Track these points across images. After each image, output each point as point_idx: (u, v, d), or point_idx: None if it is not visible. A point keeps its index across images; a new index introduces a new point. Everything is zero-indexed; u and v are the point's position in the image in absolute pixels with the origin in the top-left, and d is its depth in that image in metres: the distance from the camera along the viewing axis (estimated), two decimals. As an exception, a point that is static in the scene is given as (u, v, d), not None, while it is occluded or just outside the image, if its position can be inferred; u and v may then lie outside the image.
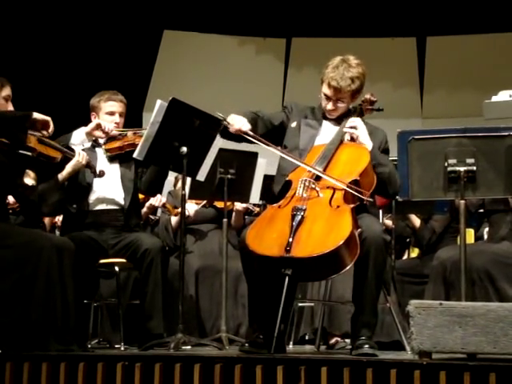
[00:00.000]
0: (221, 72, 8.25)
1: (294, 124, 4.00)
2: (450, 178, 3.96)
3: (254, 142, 3.86)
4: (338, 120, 4.00)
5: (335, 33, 8.03)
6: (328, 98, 3.94)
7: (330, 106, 3.95)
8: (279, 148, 3.88)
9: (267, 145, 3.82)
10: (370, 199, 3.69)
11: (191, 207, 5.46)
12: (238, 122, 3.83)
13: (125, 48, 7.78)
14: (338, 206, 3.57)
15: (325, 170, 3.74)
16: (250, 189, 4.86)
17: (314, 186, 3.66)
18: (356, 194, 3.61)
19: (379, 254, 3.55)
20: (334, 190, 3.64)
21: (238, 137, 3.88)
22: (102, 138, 4.41)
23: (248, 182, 4.84)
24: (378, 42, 8.24)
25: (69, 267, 3.83)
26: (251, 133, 3.82)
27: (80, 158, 4.24)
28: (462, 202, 3.97)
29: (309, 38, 8.24)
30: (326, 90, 3.93)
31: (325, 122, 4.02)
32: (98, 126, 4.33)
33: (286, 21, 8.24)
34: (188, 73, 8.19)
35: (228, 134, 3.92)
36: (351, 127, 3.87)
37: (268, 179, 4.88)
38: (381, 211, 4.95)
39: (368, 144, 3.84)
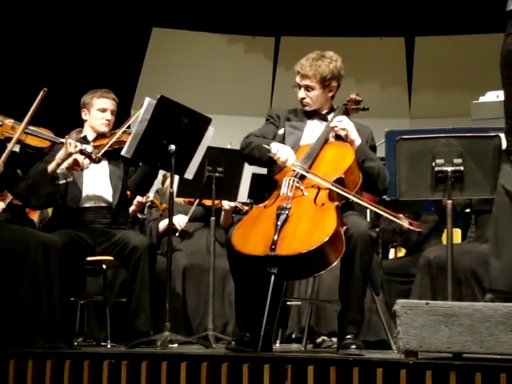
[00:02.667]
0: (209, 70, 8.24)
1: (281, 131, 4.01)
2: (437, 177, 3.98)
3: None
4: (323, 117, 4.01)
5: (324, 32, 8.04)
6: (299, 87, 3.96)
7: (301, 93, 3.97)
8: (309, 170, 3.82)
9: (308, 172, 3.75)
10: (354, 198, 3.69)
11: (182, 219, 5.43)
12: (285, 155, 3.77)
13: (113, 45, 7.76)
14: (323, 204, 3.58)
15: (310, 168, 3.75)
16: (238, 187, 4.86)
17: (298, 184, 3.67)
18: (341, 192, 3.62)
19: (365, 250, 3.56)
20: (319, 188, 3.65)
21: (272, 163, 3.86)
22: (78, 171, 4.29)
23: (236, 180, 4.83)
24: (366, 42, 8.25)
25: (55, 264, 3.82)
26: (297, 163, 3.77)
27: (71, 147, 4.13)
28: (450, 201, 3.99)
29: (298, 37, 8.24)
30: (296, 78, 3.97)
31: (309, 122, 4.03)
32: (75, 163, 4.21)
33: (274, 19, 8.25)
34: (176, 71, 8.17)
35: (269, 162, 3.87)
36: (339, 123, 3.88)
37: (256, 178, 4.88)
38: (368, 211, 4.95)
39: (357, 139, 3.86)
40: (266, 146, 3.82)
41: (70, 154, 4.15)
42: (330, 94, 4.02)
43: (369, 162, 3.84)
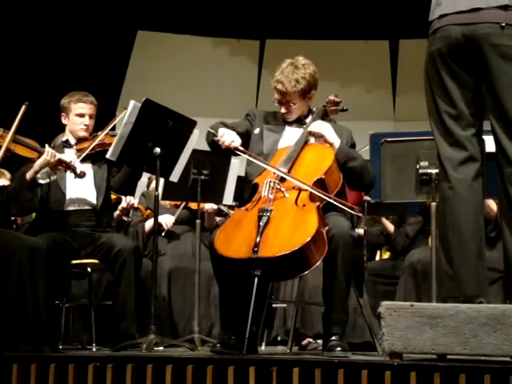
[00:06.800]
0: (195, 73, 8.24)
1: (257, 130, 4.03)
2: (421, 180, 4.00)
3: (241, 155, 3.90)
4: (301, 122, 4.02)
5: (309, 35, 8.06)
6: (280, 103, 3.97)
7: (282, 109, 3.99)
8: (264, 160, 3.87)
9: (254, 158, 3.85)
10: (334, 202, 3.69)
11: (168, 219, 5.44)
12: (229, 139, 3.84)
13: (98, 48, 7.75)
14: (304, 205, 3.59)
15: (290, 170, 3.76)
16: (223, 190, 4.87)
17: (279, 186, 3.68)
18: (319, 195, 3.63)
19: (347, 250, 3.57)
20: (300, 189, 3.66)
21: (227, 150, 3.89)
22: (61, 171, 4.28)
23: (221, 183, 4.84)
24: (351, 45, 8.28)
25: (40, 268, 3.81)
26: (241, 148, 3.85)
27: (48, 156, 4.13)
28: (434, 204, 4.01)
29: (283, 40, 8.26)
30: (275, 94, 3.98)
31: (287, 126, 4.03)
32: (61, 162, 4.21)
33: (260, 22, 8.26)
34: (162, 73, 8.18)
35: (217, 148, 3.92)
36: (316, 128, 3.89)
37: (241, 181, 4.89)
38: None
39: (336, 141, 3.86)
40: (211, 130, 3.88)
41: (48, 163, 4.16)
42: (310, 101, 4.03)
43: (350, 162, 3.85)
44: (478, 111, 3.19)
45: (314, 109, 4.05)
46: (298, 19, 8.16)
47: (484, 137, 3.28)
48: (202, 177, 4.70)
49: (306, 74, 3.92)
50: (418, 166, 3.99)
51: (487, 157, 3.29)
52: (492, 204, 4.72)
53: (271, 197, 3.65)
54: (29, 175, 4.17)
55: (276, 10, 8.13)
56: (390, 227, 5.59)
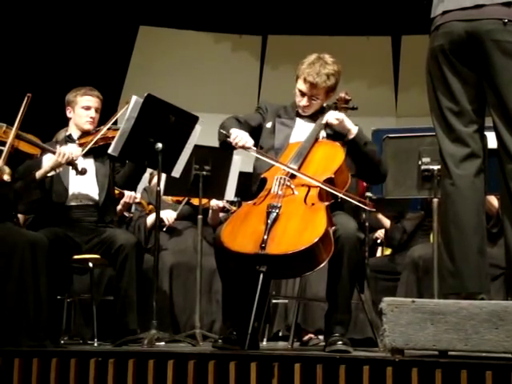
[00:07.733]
0: (196, 68, 8.24)
1: (269, 124, 4.01)
2: (423, 176, 4.00)
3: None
4: (312, 117, 4.01)
5: (311, 31, 8.05)
6: (303, 94, 3.95)
7: (304, 102, 3.96)
8: (274, 157, 3.86)
9: (263, 156, 3.83)
10: (345, 197, 3.70)
11: (170, 214, 5.45)
12: (243, 139, 3.81)
13: (100, 43, 7.75)
14: (313, 204, 3.58)
15: (300, 167, 3.75)
16: (225, 186, 4.87)
17: (289, 183, 3.67)
18: (330, 190, 3.63)
19: (353, 251, 3.56)
20: (309, 187, 3.65)
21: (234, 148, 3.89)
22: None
23: (223, 178, 4.84)
24: (353, 41, 8.27)
25: (42, 263, 3.81)
26: (254, 148, 3.83)
27: (60, 157, 4.17)
28: (436, 200, 4.01)
29: (285, 36, 8.26)
30: (301, 85, 3.94)
31: (298, 120, 4.03)
32: (67, 159, 4.23)
33: (261, 18, 8.25)
34: (163, 69, 8.17)
35: (228, 147, 3.90)
36: (332, 118, 3.88)
37: (243, 176, 4.89)
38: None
39: (353, 128, 3.86)
40: (223, 131, 3.85)
41: (59, 164, 4.18)
42: (328, 99, 4.03)
43: (370, 145, 3.85)
44: (480, 107, 3.19)
45: (325, 105, 4.05)
46: (300, 15, 8.14)
47: (486, 133, 3.28)
48: (204, 172, 4.70)
49: (334, 71, 3.92)
50: (419, 162, 3.98)
51: (489, 153, 3.29)
52: (493, 200, 4.72)
53: (280, 193, 3.63)
54: (39, 174, 4.21)
55: (278, 5, 8.11)
56: (386, 223, 5.59)
